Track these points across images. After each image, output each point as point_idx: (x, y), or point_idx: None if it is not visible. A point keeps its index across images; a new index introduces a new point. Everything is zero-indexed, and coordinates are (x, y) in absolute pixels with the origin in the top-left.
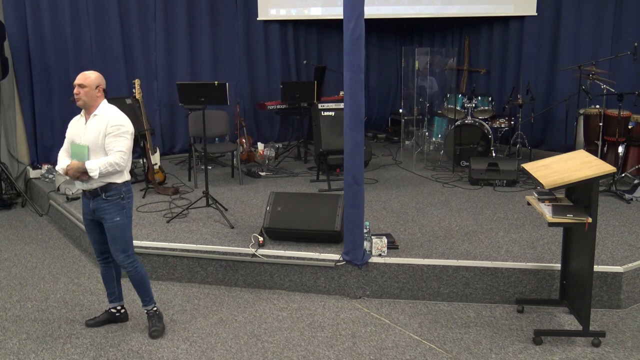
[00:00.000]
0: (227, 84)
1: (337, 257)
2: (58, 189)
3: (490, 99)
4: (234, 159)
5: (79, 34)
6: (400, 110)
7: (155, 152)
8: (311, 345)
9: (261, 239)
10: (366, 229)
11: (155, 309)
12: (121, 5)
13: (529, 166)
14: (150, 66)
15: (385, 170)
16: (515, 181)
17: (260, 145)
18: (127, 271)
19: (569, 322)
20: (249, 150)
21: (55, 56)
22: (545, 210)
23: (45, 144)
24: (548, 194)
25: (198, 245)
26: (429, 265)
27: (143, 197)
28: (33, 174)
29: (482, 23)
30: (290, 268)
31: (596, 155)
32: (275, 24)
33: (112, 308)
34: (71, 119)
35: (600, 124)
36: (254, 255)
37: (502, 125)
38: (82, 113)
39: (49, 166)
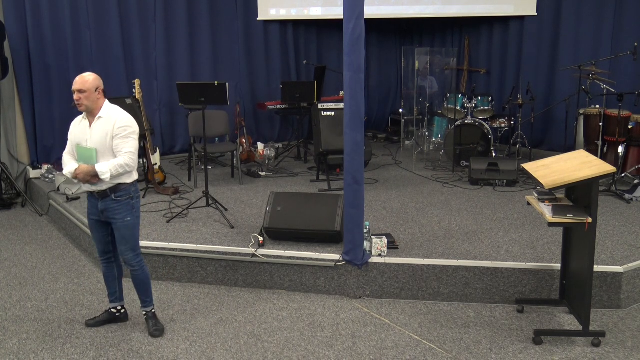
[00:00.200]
0: (227, 84)
1: (337, 257)
2: (58, 189)
3: (490, 99)
4: (234, 159)
5: (79, 34)
6: (400, 110)
7: (155, 152)
8: (311, 345)
9: (261, 239)
10: (366, 229)
11: (153, 311)
12: (121, 5)
13: (529, 166)
14: (150, 66)
15: (385, 170)
16: (515, 181)
17: (260, 145)
18: (133, 270)
19: (569, 322)
20: (249, 150)
21: (55, 56)
22: (545, 210)
23: (45, 144)
24: (548, 194)
25: (198, 245)
26: (429, 265)
27: (143, 197)
28: (33, 174)
29: (482, 23)
30: (290, 268)
31: (596, 155)
32: (275, 24)
33: (113, 308)
34: (71, 119)
35: (600, 124)
36: (254, 255)
37: (502, 125)
38: (83, 115)
39: (49, 166)
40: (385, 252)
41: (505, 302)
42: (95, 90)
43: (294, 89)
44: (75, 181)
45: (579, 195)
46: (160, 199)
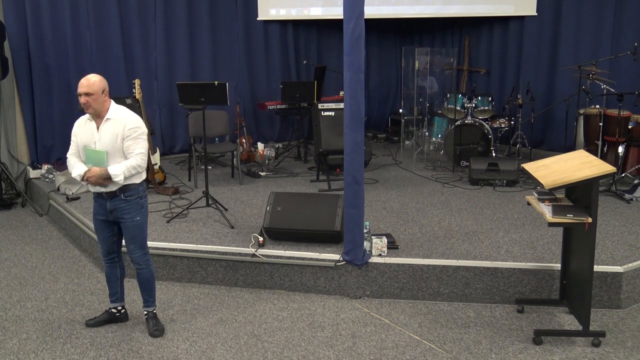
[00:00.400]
0: (227, 84)
1: (337, 257)
2: (58, 189)
3: (490, 99)
4: (234, 159)
5: (79, 34)
6: (400, 110)
7: (155, 152)
8: (311, 345)
9: (261, 239)
10: (366, 229)
11: (155, 311)
12: (121, 5)
13: (529, 166)
14: (150, 66)
15: (385, 170)
16: (515, 181)
17: (260, 145)
18: (140, 269)
19: (569, 322)
20: (249, 150)
21: (55, 56)
22: (545, 210)
23: (45, 144)
24: (548, 194)
25: (198, 245)
26: (429, 265)
27: None
28: (33, 174)
29: (482, 23)
30: (290, 268)
31: (596, 155)
32: (275, 24)
33: (113, 308)
34: (71, 119)
35: (600, 124)
36: (254, 255)
37: (502, 125)
38: (88, 117)
39: (49, 166)
40: (385, 252)
41: (505, 302)
42: (102, 93)
43: (294, 89)
44: (84, 183)
45: (579, 195)
46: (160, 199)
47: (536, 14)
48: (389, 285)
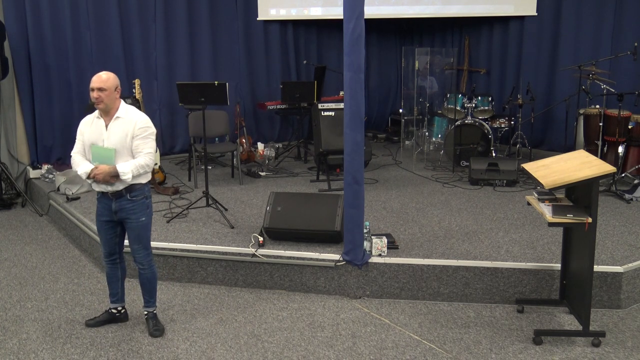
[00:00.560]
0: (227, 84)
1: (337, 257)
2: (58, 189)
3: (490, 99)
4: (234, 159)
5: (79, 34)
6: (400, 110)
7: (156, 152)
8: (311, 345)
9: (261, 239)
10: (366, 229)
11: (155, 311)
12: (121, 5)
13: (529, 166)
14: (150, 66)
15: (385, 170)
16: (515, 181)
17: (260, 145)
18: (142, 269)
19: (569, 322)
20: (249, 150)
21: (55, 56)
22: (545, 210)
23: (45, 144)
24: (548, 194)
25: (198, 245)
26: (429, 265)
27: None
28: (33, 174)
29: (482, 23)
30: (290, 268)
31: (596, 155)
32: (275, 24)
33: (113, 309)
34: (71, 118)
35: (600, 124)
36: (254, 255)
37: (502, 125)
38: (97, 115)
39: (49, 166)
40: (385, 252)
41: (505, 302)
42: (115, 90)
43: (294, 89)
44: (89, 181)
45: (579, 195)
46: (160, 199)
47: (536, 14)
48: (389, 285)
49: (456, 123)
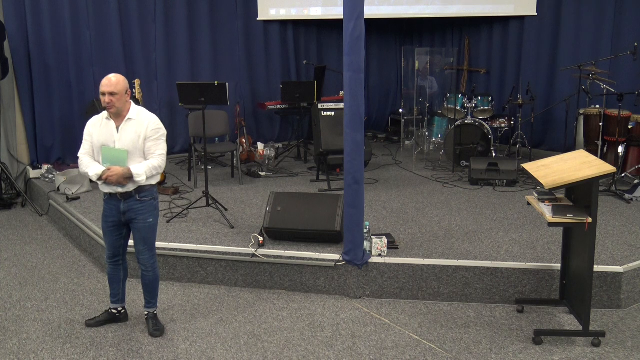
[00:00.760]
0: (227, 84)
1: (337, 257)
2: (58, 189)
3: (490, 99)
4: (234, 159)
5: (79, 34)
6: (400, 110)
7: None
8: (311, 345)
9: (261, 239)
10: (366, 229)
11: (155, 312)
12: (121, 5)
13: (529, 166)
14: (150, 66)
15: (385, 170)
16: (515, 181)
17: (260, 145)
18: (145, 271)
19: (569, 322)
20: (249, 150)
21: (55, 56)
22: (545, 210)
23: (45, 144)
24: (548, 194)
25: (198, 245)
26: (429, 265)
27: None
28: (33, 174)
29: (482, 23)
30: (290, 268)
31: (596, 155)
32: (275, 24)
33: (114, 309)
34: (71, 119)
35: (600, 124)
36: (254, 255)
37: (502, 125)
38: (106, 116)
39: (49, 166)
40: (385, 252)
41: (505, 302)
42: (125, 92)
43: (294, 89)
44: (100, 183)
45: (579, 195)
46: (160, 199)
47: (536, 14)
48: (389, 285)
49: (456, 123)
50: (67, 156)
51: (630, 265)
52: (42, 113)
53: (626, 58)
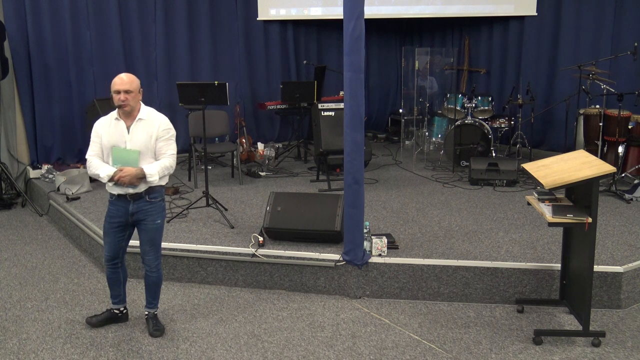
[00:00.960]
0: (227, 84)
1: (337, 257)
2: (58, 189)
3: (490, 99)
4: (234, 159)
5: (79, 34)
6: (400, 110)
7: None
8: (311, 345)
9: (261, 239)
10: (366, 229)
11: (156, 312)
12: (121, 5)
13: (529, 166)
14: (150, 66)
15: (385, 170)
16: (515, 181)
17: (260, 145)
18: (150, 272)
19: (569, 322)
20: (249, 150)
21: (55, 56)
22: (545, 210)
23: (45, 144)
24: (548, 194)
25: (198, 245)
26: (429, 265)
27: None
28: (33, 174)
29: (482, 23)
30: (290, 268)
31: (596, 155)
32: (275, 24)
33: (115, 309)
34: (71, 119)
35: (600, 124)
36: (254, 255)
37: (502, 125)
38: (115, 116)
39: (49, 166)
40: (385, 252)
41: (505, 302)
42: (139, 91)
43: (294, 89)
44: (110, 184)
45: (579, 195)
46: None
47: (536, 14)
48: (389, 285)
49: (456, 123)
50: (67, 156)
51: (630, 265)
52: (42, 113)
53: (626, 58)
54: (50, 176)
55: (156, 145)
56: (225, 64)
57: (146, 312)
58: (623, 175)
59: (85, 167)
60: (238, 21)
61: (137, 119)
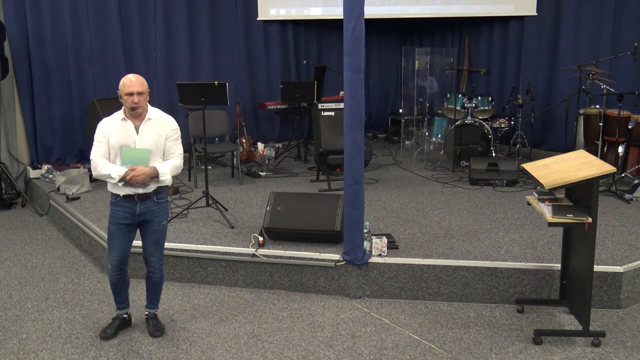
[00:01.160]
0: (227, 84)
1: (337, 257)
2: (58, 189)
3: (490, 99)
4: (234, 159)
5: (79, 34)
6: (400, 110)
7: None
8: (311, 345)
9: (261, 239)
10: (366, 229)
11: (156, 312)
12: (121, 5)
13: (529, 166)
14: (150, 66)
15: (385, 170)
16: (515, 181)
17: (260, 145)
18: (153, 273)
19: (569, 322)
20: (249, 150)
21: (55, 56)
22: (545, 210)
23: (45, 144)
24: (548, 194)
25: (198, 245)
26: (429, 265)
27: None
28: (33, 174)
29: (482, 23)
30: (290, 268)
31: (596, 155)
32: (275, 24)
33: (124, 314)
34: (71, 119)
35: (600, 124)
36: (254, 255)
37: (502, 125)
38: (121, 117)
39: (49, 166)
40: (385, 252)
41: (505, 302)
42: (148, 92)
43: (294, 89)
44: (120, 184)
45: (579, 195)
46: None
47: (536, 14)
48: (389, 285)
49: (456, 123)
50: (67, 156)
51: (630, 265)
52: (42, 113)
53: (626, 58)
54: (50, 176)
55: (165, 144)
56: (225, 64)
57: (146, 312)
58: (623, 175)
59: (85, 167)
60: (238, 21)
61: (146, 119)
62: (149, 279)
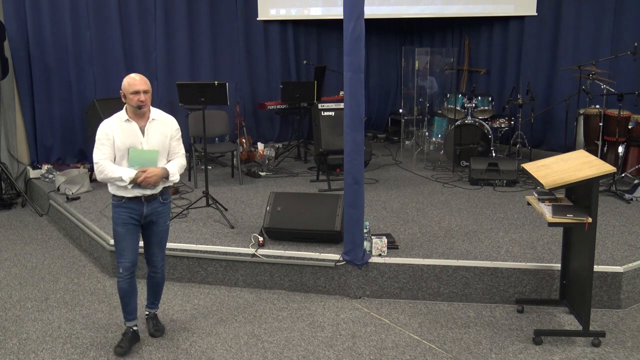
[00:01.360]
0: (227, 84)
1: (337, 257)
2: (58, 189)
3: (490, 99)
4: (234, 159)
5: (79, 34)
6: (400, 110)
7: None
8: (311, 345)
9: (261, 239)
10: (366, 229)
11: (156, 312)
12: (121, 5)
13: (529, 166)
14: (150, 66)
15: (385, 170)
16: (515, 181)
17: (260, 145)
18: (155, 274)
19: (569, 322)
20: (249, 150)
21: (55, 56)
22: (545, 210)
23: (45, 144)
24: (548, 194)
25: (198, 245)
26: (429, 265)
27: None
28: (33, 174)
29: (482, 23)
30: (290, 268)
31: (596, 155)
32: (275, 24)
33: (134, 326)
34: (71, 119)
35: (600, 124)
36: (254, 255)
37: (502, 125)
38: (123, 118)
39: (49, 166)
40: (385, 252)
41: (505, 302)
42: (151, 91)
43: (294, 89)
44: (129, 187)
45: (579, 195)
46: None
47: (536, 14)
48: (389, 285)
49: (456, 123)
50: (67, 156)
51: (630, 265)
52: (42, 113)
53: (626, 58)
54: (50, 176)
55: (170, 144)
56: (225, 64)
57: (147, 312)
58: (623, 175)
59: (85, 167)
60: (238, 21)
61: (150, 119)
62: (151, 279)
